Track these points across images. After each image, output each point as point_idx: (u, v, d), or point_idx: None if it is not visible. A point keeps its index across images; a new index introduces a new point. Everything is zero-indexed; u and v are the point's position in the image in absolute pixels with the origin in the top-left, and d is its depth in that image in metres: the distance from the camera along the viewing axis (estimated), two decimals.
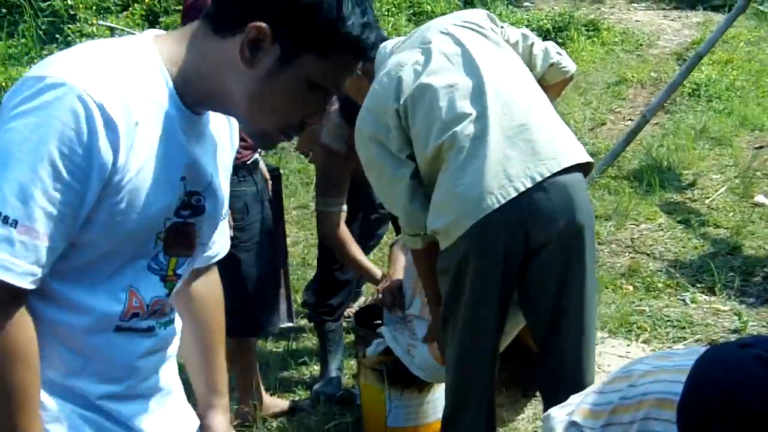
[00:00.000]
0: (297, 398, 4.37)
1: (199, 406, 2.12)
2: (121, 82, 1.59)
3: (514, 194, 2.98)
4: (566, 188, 3.05)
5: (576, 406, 2.74)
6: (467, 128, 3.04)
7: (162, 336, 1.84)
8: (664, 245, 6.07)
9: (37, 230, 1.53)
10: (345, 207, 4.14)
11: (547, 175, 3.01)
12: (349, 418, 4.18)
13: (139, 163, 1.61)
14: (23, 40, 9.82)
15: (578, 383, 3.12)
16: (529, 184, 2.99)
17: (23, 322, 1.57)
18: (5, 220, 1.50)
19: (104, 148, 1.55)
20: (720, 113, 8.40)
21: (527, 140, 3.04)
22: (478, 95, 3.08)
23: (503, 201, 2.97)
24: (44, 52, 9.20)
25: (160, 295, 1.78)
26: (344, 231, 4.14)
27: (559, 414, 2.79)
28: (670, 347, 4.75)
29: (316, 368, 4.63)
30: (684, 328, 4.95)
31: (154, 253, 1.74)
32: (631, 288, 5.44)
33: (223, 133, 1.88)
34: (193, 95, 1.70)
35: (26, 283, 1.54)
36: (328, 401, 4.29)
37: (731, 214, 6.44)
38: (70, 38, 9.44)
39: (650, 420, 2.54)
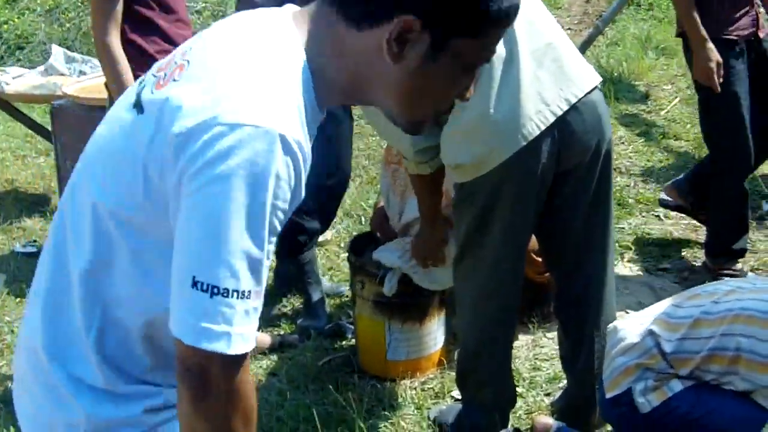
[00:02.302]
0: (283, 332, 4.10)
1: None
2: (298, 107, 1.47)
3: (552, 119, 2.82)
4: (596, 107, 2.93)
5: (652, 318, 2.62)
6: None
7: None
8: (629, 159, 5.94)
9: (261, 288, 1.44)
10: None
11: (581, 95, 2.86)
12: (341, 353, 3.94)
13: None
14: None
15: (608, 308, 3.10)
16: (565, 107, 2.84)
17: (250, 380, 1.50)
18: (242, 294, 1.40)
19: (303, 182, 1.48)
20: (661, 22, 8.29)
21: (555, 59, 2.86)
22: None
23: (543, 127, 2.80)
24: None
25: None
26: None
27: (629, 326, 2.66)
28: (656, 266, 4.64)
29: (297, 301, 4.35)
30: (667, 246, 4.84)
31: None
32: None
33: None
34: (325, 95, 1.57)
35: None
36: (318, 335, 4.03)
37: (689, 126, 6.34)
38: None
39: (734, 336, 2.43)
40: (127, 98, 1.60)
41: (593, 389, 3.06)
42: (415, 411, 3.53)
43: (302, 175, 1.46)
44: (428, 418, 3.47)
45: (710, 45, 4.06)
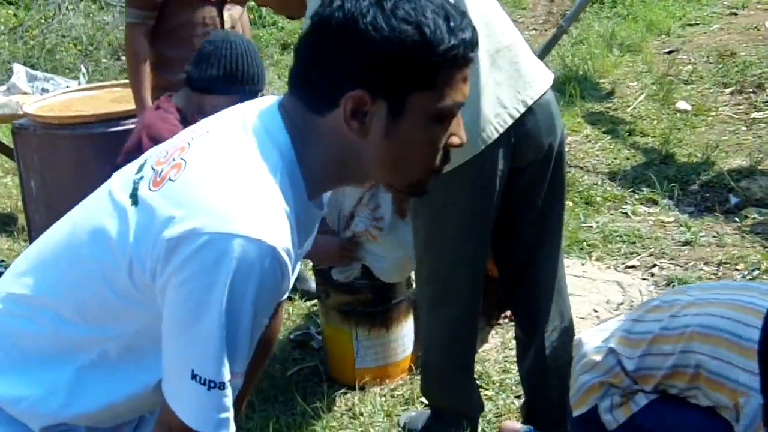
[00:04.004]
0: None
1: None
2: (286, 212, 1.54)
3: (510, 122, 2.82)
4: (549, 106, 2.95)
5: (612, 332, 2.60)
6: None
7: None
8: (596, 157, 5.95)
9: (244, 369, 1.59)
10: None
11: (536, 97, 2.88)
12: (310, 362, 3.92)
13: None
14: None
15: (557, 304, 3.11)
16: (522, 109, 2.85)
17: None
18: (230, 382, 1.56)
19: (290, 281, 1.62)
20: (626, 19, 8.32)
21: (511, 62, 2.87)
22: None
23: (501, 130, 2.81)
24: None
25: None
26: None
27: (592, 339, 2.65)
28: (624, 263, 4.64)
29: None
30: (634, 242, 4.84)
31: None
32: (570, 204, 5.29)
33: None
34: (318, 184, 1.64)
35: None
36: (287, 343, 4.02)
37: (656, 122, 6.36)
38: None
39: (693, 353, 2.41)
40: (124, 181, 1.66)
41: (546, 388, 3.07)
42: (385, 418, 3.52)
43: (289, 277, 1.57)
44: (398, 424, 3.46)
45: None
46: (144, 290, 1.58)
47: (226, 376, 1.54)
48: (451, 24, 1.51)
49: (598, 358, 2.55)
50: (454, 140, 1.61)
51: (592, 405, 2.57)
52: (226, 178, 1.52)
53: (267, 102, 1.67)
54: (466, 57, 1.54)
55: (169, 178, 1.56)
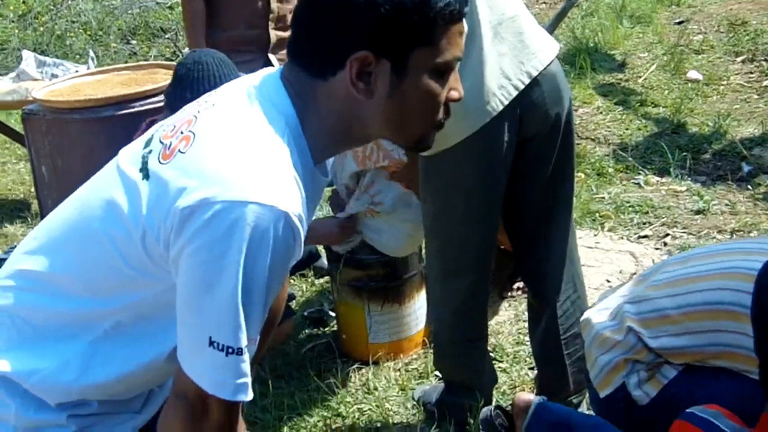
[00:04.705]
0: None
1: None
2: (295, 179, 1.58)
3: (514, 93, 2.80)
4: (555, 78, 2.92)
5: (617, 309, 2.59)
6: None
7: None
8: (607, 128, 5.93)
9: (258, 335, 1.62)
10: None
11: (541, 68, 2.85)
12: (323, 339, 3.93)
13: None
14: None
15: (568, 274, 3.11)
16: (526, 80, 2.82)
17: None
18: (247, 348, 1.58)
19: (301, 246, 1.62)
20: None
21: (515, 33, 2.84)
22: None
23: (506, 102, 2.79)
24: None
25: None
26: None
27: (600, 318, 2.63)
28: (637, 233, 4.63)
29: None
30: (647, 212, 4.83)
31: None
32: (582, 175, 5.27)
33: None
34: (322, 150, 1.68)
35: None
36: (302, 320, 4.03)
37: (667, 92, 6.33)
38: None
39: (718, 332, 2.39)
40: (133, 156, 1.69)
41: (558, 358, 3.07)
42: (400, 392, 3.53)
43: (301, 242, 1.60)
44: (412, 398, 3.47)
45: None
46: (158, 260, 1.61)
47: (243, 341, 1.56)
48: None
49: (618, 337, 2.52)
50: (453, 94, 1.67)
51: (619, 383, 2.54)
52: (235, 148, 1.56)
53: (268, 74, 1.70)
54: (461, 12, 1.61)
55: (179, 150, 1.60)
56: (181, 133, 1.63)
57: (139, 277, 1.65)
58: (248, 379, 1.60)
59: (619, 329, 2.51)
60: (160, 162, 1.62)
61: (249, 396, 1.61)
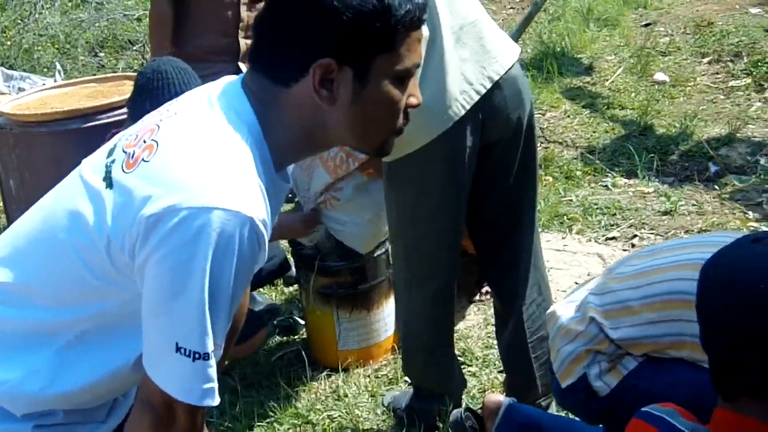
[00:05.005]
0: None
1: None
2: (259, 186, 1.60)
3: (476, 98, 2.82)
4: (516, 82, 2.94)
5: (582, 302, 2.61)
6: None
7: None
8: (575, 132, 5.96)
9: (224, 342, 1.63)
10: None
11: (502, 72, 2.87)
12: (292, 347, 3.94)
13: None
14: None
15: (533, 278, 3.13)
16: (488, 85, 2.84)
17: None
18: (213, 353, 1.59)
19: (265, 252, 1.64)
20: None
21: (476, 37, 2.86)
22: None
23: (468, 107, 2.81)
24: None
25: None
26: None
27: (566, 311, 2.65)
28: (605, 235, 4.66)
29: None
30: (614, 214, 4.86)
31: None
32: (550, 179, 5.31)
33: None
34: (285, 156, 1.71)
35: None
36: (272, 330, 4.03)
37: (634, 94, 6.38)
38: None
39: (672, 322, 2.41)
40: (96, 165, 1.70)
41: (525, 361, 3.09)
42: (370, 399, 3.54)
43: (266, 247, 1.61)
44: (382, 404, 3.48)
45: None
46: (122, 269, 1.61)
47: (210, 346, 1.57)
48: None
49: (580, 327, 2.54)
50: (412, 100, 1.71)
51: (581, 374, 2.56)
52: (199, 155, 1.57)
53: (229, 82, 1.73)
54: (420, 19, 1.65)
55: (143, 159, 1.61)
56: (144, 141, 1.65)
57: (103, 286, 1.65)
58: (215, 384, 1.61)
59: (582, 320, 2.54)
60: (123, 171, 1.63)
61: (216, 401, 1.62)
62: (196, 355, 1.57)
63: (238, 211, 1.52)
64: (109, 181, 1.64)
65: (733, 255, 1.78)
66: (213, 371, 1.60)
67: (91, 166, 1.71)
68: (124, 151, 1.67)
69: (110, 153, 1.70)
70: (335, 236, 3.54)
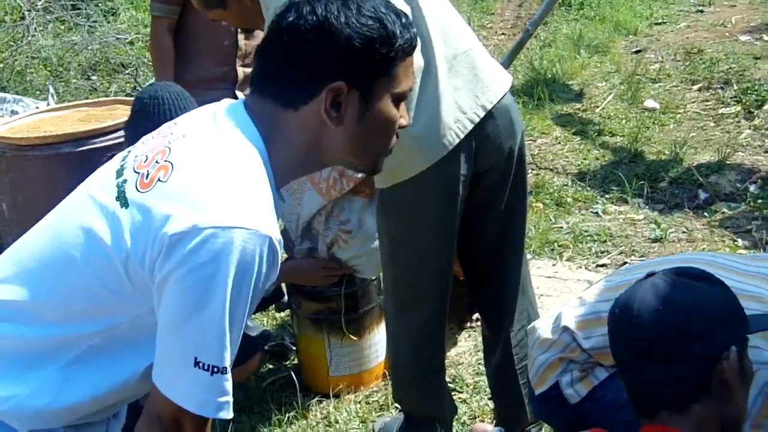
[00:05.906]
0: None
1: None
2: (272, 207, 1.69)
3: (470, 127, 2.84)
4: (509, 111, 2.96)
5: (560, 314, 2.65)
6: None
7: None
8: (566, 158, 5.99)
9: (232, 360, 1.68)
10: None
11: (495, 101, 2.89)
12: (284, 372, 3.94)
13: None
14: None
15: (522, 304, 3.15)
16: (482, 114, 2.86)
17: None
18: (229, 368, 1.65)
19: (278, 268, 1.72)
20: (593, 20, 8.40)
21: (470, 67, 2.88)
22: (417, 22, 2.84)
23: (462, 136, 2.83)
24: None
25: None
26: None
27: (544, 324, 2.69)
28: (595, 262, 4.68)
29: None
30: (605, 241, 4.89)
31: None
32: (541, 205, 5.34)
33: None
34: (282, 177, 1.79)
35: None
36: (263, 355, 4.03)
37: (624, 121, 6.42)
38: None
39: None
40: (106, 185, 1.76)
41: (514, 388, 3.10)
42: (360, 425, 3.54)
43: (279, 266, 1.69)
44: (373, 430, 3.48)
45: None
46: (138, 284, 1.67)
47: (228, 360, 1.64)
48: (403, 20, 1.77)
49: (554, 336, 2.59)
50: (402, 121, 1.85)
51: (553, 382, 2.60)
52: (217, 176, 1.66)
53: (232, 104, 1.82)
54: (413, 46, 1.80)
55: (159, 180, 1.68)
56: (157, 162, 1.72)
57: (117, 301, 1.70)
58: (230, 398, 1.66)
59: (556, 330, 2.58)
60: (138, 191, 1.69)
61: (231, 414, 1.68)
62: (215, 369, 1.62)
63: (258, 230, 1.61)
64: (123, 200, 1.70)
65: (630, 293, 1.95)
66: (229, 385, 1.65)
67: (101, 185, 1.77)
68: (135, 172, 1.74)
69: (119, 173, 1.77)
70: (356, 273, 3.59)
